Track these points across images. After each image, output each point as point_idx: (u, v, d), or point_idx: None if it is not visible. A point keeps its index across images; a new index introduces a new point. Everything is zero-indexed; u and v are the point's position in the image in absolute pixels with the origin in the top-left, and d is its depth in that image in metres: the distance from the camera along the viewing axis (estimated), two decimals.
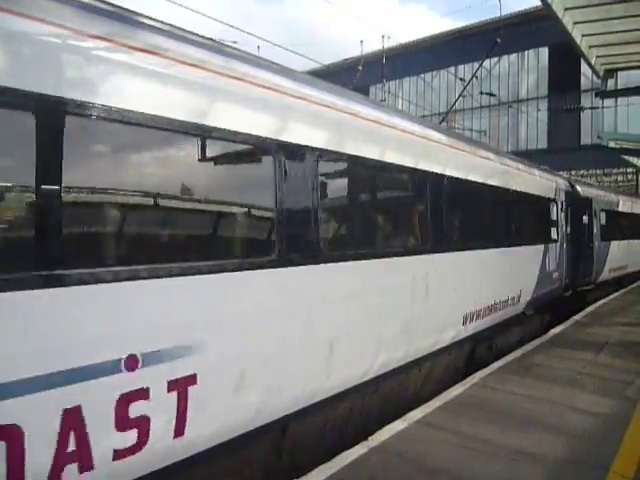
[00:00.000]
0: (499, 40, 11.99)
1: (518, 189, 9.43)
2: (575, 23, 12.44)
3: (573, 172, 27.87)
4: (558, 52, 31.62)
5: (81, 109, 2.88)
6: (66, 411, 2.73)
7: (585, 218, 14.11)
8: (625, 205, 19.55)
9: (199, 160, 3.85)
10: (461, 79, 23.76)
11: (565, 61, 29.90)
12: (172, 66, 3.40)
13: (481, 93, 23.99)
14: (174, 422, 3.31)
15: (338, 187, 5.54)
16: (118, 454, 3.01)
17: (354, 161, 5.19)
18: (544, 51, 35.57)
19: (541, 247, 10.65)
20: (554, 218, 11.61)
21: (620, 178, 35.04)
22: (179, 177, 3.75)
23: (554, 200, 11.63)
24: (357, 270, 5.06)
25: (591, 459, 4.66)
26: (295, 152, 4.33)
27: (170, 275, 3.32)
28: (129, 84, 3.17)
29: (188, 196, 3.85)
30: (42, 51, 2.77)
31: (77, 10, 2.96)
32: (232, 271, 3.74)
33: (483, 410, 5.88)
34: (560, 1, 11.36)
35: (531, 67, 36.99)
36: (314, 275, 4.50)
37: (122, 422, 3.01)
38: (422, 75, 40.59)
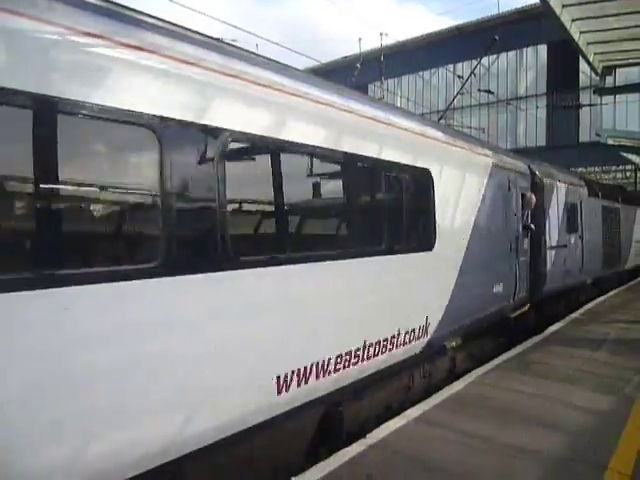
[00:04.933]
0: (497, 37, 11.98)
1: None
2: (573, 20, 12.44)
3: (572, 169, 27.88)
4: (556, 49, 31.60)
5: None
6: None
7: None
8: None
9: None
10: (459, 77, 23.77)
11: (563, 58, 29.87)
12: None
13: (479, 90, 23.97)
14: None
15: None
16: None
17: None
18: (543, 48, 35.51)
19: None
20: None
21: (619, 175, 34.99)
22: None
23: None
24: None
25: (589, 456, 4.68)
26: None
27: None
28: None
29: None
30: None
31: None
32: None
33: (481, 407, 5.89)
34: None
35: (530, 64, 36.94)
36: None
37: None
38: (421, 73, 40.56)
